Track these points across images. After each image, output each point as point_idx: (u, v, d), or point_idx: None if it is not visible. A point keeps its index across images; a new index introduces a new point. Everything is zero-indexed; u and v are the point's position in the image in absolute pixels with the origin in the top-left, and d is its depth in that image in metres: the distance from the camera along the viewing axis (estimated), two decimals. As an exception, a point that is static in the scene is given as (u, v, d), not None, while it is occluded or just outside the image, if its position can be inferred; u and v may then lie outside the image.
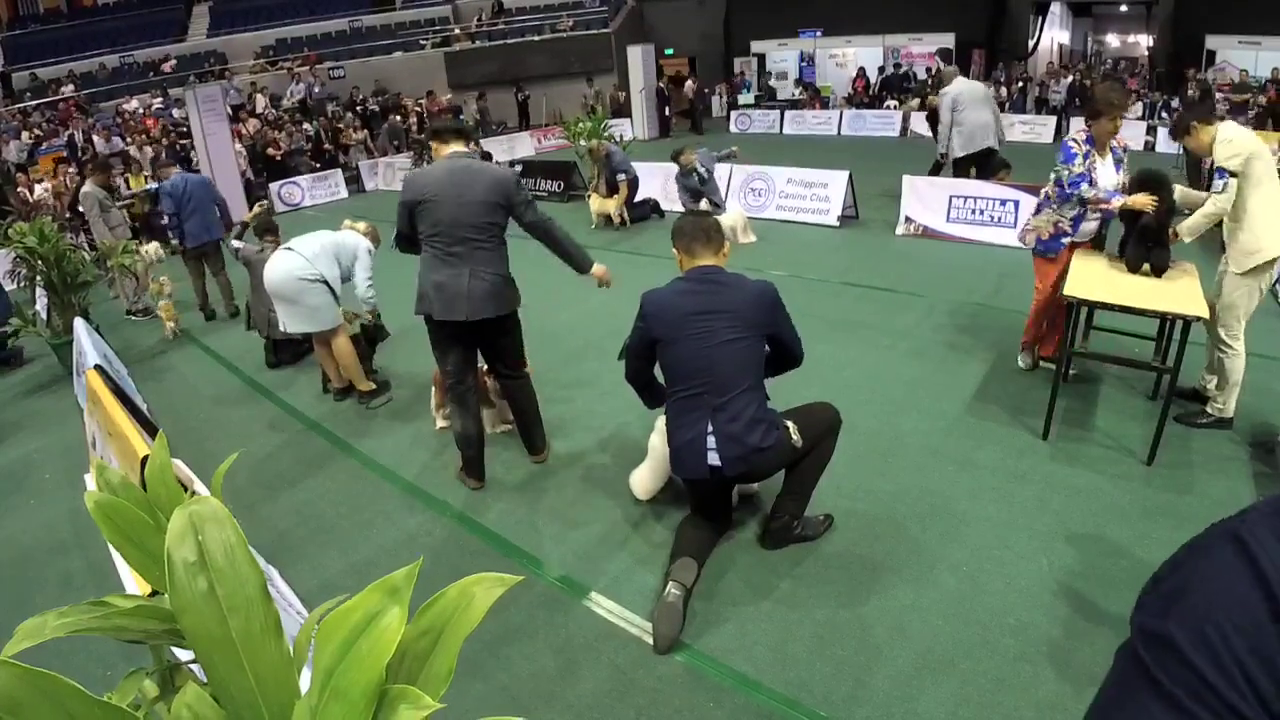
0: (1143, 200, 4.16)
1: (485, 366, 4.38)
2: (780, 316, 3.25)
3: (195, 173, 9.31)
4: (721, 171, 10.38)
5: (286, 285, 5.08)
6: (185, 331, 7.77)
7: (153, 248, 8.80)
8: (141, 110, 19.89)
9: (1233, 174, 3.99)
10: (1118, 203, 4.28)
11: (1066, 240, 4.64)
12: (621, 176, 10.49)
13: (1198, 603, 0.58)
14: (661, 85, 22.31)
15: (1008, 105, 18.91)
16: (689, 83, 22.94)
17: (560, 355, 5.81)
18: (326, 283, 5.14)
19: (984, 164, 9.09)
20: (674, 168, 10.04)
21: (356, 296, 5.33)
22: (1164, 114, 16.10)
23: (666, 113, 21.94)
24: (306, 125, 18.97)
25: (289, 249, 5.18)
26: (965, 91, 8.92)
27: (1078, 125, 4.82)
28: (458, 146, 3.95)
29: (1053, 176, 4.60)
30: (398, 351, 6.31)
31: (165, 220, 8.05)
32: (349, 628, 0.81)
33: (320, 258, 5.14)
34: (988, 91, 9.08)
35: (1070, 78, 18.58)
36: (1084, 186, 4.40)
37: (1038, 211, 4.80)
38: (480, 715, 1.12)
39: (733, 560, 3.46)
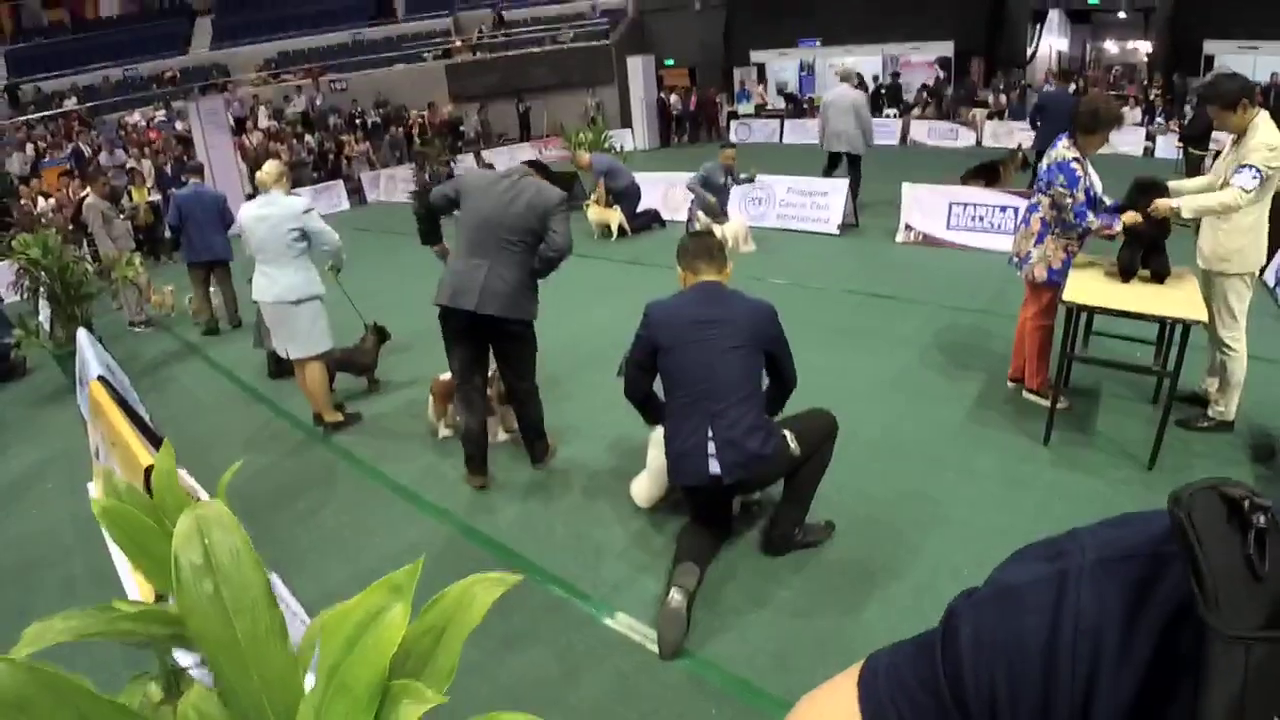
0: (1136, 218, 4.05)
1: (496, 373, 4.44)
2: (778, 334, 3.32)
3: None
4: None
5: (276, 311, 4.97)
6: (170, 315, 7.76)
7: (136, 257, 8.75)
8: (144, 123, 19.98)
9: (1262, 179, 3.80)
10: (1119, 227, 4.10)
11: (1073, 260, 4.43)
12: (603, 179, 10.55)
13: (998, 610, 0.60)
14: (662, 96, 22.43)
15: (1007, 113, 18.96)
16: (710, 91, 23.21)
17: (564, 365, 5.83)
18: (319, 297, 4.99)
19: (853, 165, 10.14)
20: (675, 177, 10.05)
21: (331, 255, 5.20)
22: (1161, 119, 16.15)
23: (675, 118, 22.15)
24: (309, 137, 19.05)
25: (265, 273, 4.91)
26: (834, 99, 10.03)
27: (1061, 138, 4.38)
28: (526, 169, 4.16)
29: (1045, 200, 4.34)
30: (400, 361, 6.33)
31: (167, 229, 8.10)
32: (353, 624, 0.82)
33: (301, 273, 4.88)
34: (861, 103, 9.90)
35: (1073, 85, 18.58)
36: (1090, 218, 4.14)
37: (1039, 241, 4.41)
38: None
39: (734, 567, 3.47)
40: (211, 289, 8.05)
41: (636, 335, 3.39)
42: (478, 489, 4.31)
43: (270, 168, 5.08)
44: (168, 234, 8.53)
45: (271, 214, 4.81)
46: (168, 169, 14.73)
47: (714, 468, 3.16)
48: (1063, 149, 4.23)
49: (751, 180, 10.02)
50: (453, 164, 15.72)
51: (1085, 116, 4.18)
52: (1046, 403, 4.42)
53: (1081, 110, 4.22)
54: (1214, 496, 0.51)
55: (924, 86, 21.30)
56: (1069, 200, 4.15)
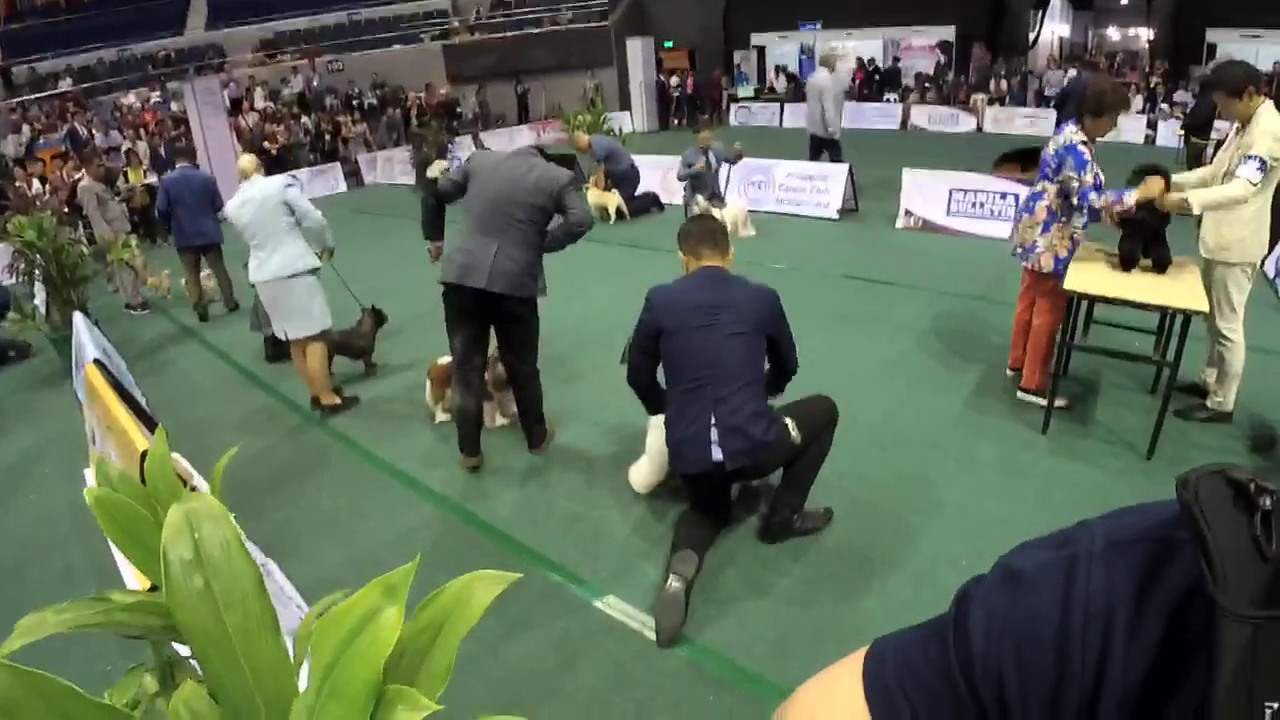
0: (1156, 185, 3.93)
1: (494, 356, 4.42)
2: (781, 320, 3.30)
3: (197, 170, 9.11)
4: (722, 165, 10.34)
5: (271, 289, 4.95)
6: (167, 298, 7.72)
7: (132, 240, 8.69)
8: (139, 104, 19.84)
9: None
10: (1131, 198, 3.95)
11: (1079, 247, 4.37)
12: (601, 164, 10.53)
13: (1008, 593, 0.60)
14: (662, 78, 22.30)
15: (1007, 99, 18.90)
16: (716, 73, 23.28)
17: (564, 348, 5.81)
18: (313, 271, 4.98)
19: (828, 148, 10.26)
20: (673, 161, 10.01)
21: (316, 235, 5.07)
22: (1164, 106, 16.09)
23: (675, 100, 22.08)
24: (305, 119, 18.92)
25: (258, 254, 4.90)
26: (809, 83, 10.30)
27: (1069, 123, 4.29)
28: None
29: (1052, 188, 4.26)
30: (397, 344, 6.31)
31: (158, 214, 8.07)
32: (347, 626, 0.81)
33: (292, 247, 4.87)
34: (826, 88, 9.86)
35: (1074, 71, 18.48)
36: (1093, 196, 4.02)
37: (1045, 230, 4.32)
38: (480, 710, 1.12)
39: (733, 554, 3.47)
40: (205, 273, 8.01)
41: (639, 320, 3.37)
42: (470, 470, 4.32)
43: (246, 159, 5.18)
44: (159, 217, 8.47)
45: (254, 195, 4.83)
46: (162, 151, 14.65)
47: (716, 454, 3.15)
48: (1070, 133, 4.17)
49: (740, 157, 9.98)
50: (450, 146, 15.62)
51: (1092, 100, 4.12)
52: (1043, 401, 4.38)
53: (1088, 94, 4.17)
54: (1220, 480, 0.51)
55: (919, 75, 21.22)
56: (1076, 184, 4.08)
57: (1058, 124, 9.41)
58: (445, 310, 4.09)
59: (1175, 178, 4.24)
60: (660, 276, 3.39)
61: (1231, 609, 0.46)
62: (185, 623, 0.89)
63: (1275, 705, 0.45)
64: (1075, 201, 4.13)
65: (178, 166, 8.09)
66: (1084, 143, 4.11)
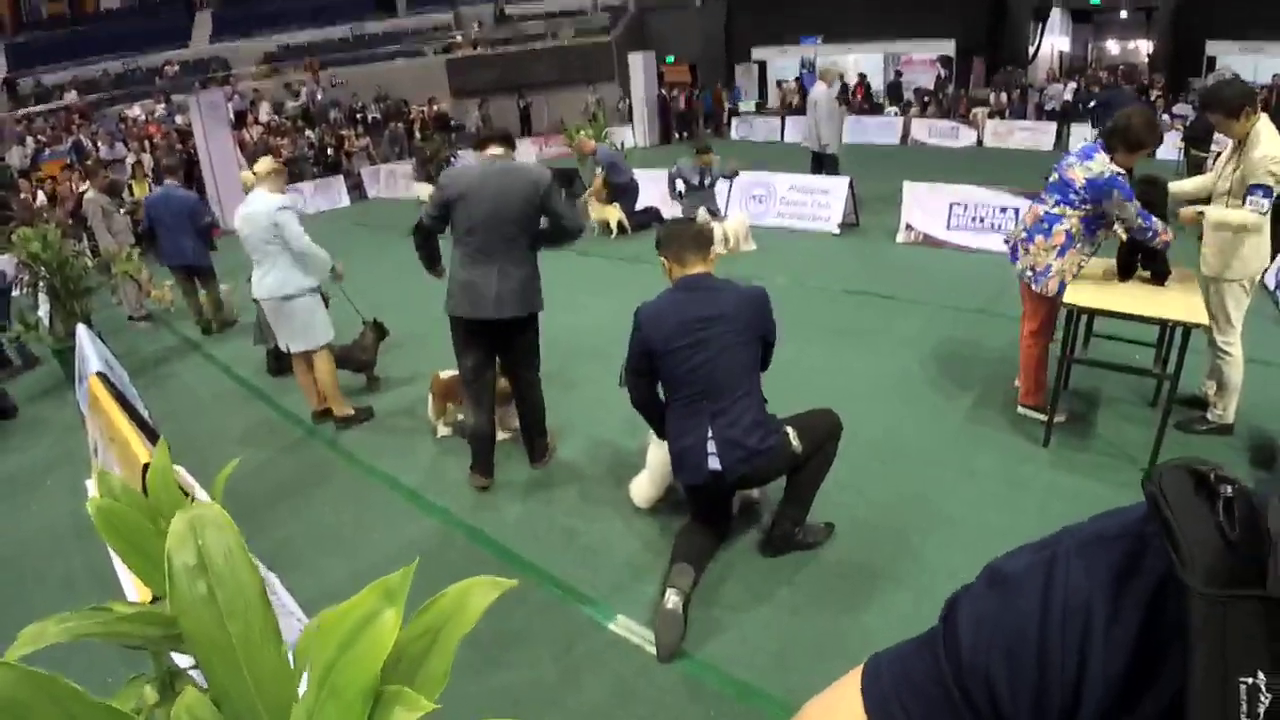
0: (1192, 215, 3.98)
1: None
2: (769, 320, 3.28)
3: (187, 188, 8.90)
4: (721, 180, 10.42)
5: (271, 306, 4.98)
6: (170, 311, 7.73)
7: (135, 252, 8.70)
8: (144, 116, 19.96)
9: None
10: (1169, 234, 3.99)
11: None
12: (600, 171, 10.65)
13: (993, 597, 0.62)
14: (663, 92, 22.41)
15: (1007, 112, 18.99)
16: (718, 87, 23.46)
17: (566, 362, 5.81)
18: (312, 290, 4.99)
19: (824, 162, 10.59)
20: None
21: (316, 267, 5.01)
22: (1164, 118, 16.14)
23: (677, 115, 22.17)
24: (309, 132, 19.02)
25: (257, 270, 4.95)
26: (809, 97, 10.71)
27: (1085, 137, 4.26)
28: (496, 150, 4.04)
29: (1075, 213, 4.15)
30: (399, 358, 6.32)
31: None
32: (345, 628, 0.82)
33: (289, 268, 4.88)
34: (820, 100, 10.28)
35: (1074, 84, 18.58)
36: (1155, 221, 3.94)
37: (1061, 254, 4.23)
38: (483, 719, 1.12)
39: (733, 567, 3.46)
40: (203, 292, 7.98)
41: (631, 340, 3.33)
42: (480, 490, 4.28)
43: (261, 164, 5.11)
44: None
45: (251, 212, 4.85)
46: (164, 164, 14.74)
47: (714, 464, 3.15)
48: (1106, 163, 4.02)
49: (736, 173, 10.16)
50: (453, 159, 15.68)
51: (1131, 134, 4.00)
52: (1043, 416, 4.38)
53: (1129, 128, 4.02)
54: (1183, 473, 0.55)
55: (919, 89, 21.36)
56: (1133, 209, 3.95)
57: (1058, 137, 9.42)
58: (453, 334, 4.09)
59: (1172, 185, 4.28)
60: (660, 290, 3.38)
61: (1199, 589, 0.49)
62: (189, 630, 0.90)
63: (1249, 681, 0.47)
64: (1139, 224, 3.99)
65: (164, 183, 8.07)
66: (1122, 175, 4.01)
